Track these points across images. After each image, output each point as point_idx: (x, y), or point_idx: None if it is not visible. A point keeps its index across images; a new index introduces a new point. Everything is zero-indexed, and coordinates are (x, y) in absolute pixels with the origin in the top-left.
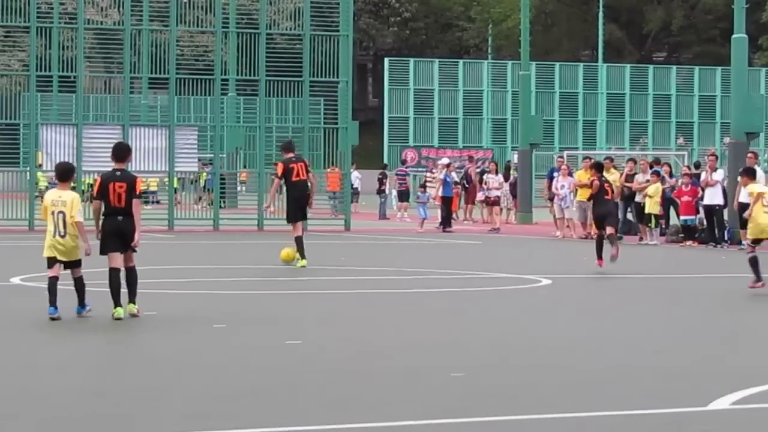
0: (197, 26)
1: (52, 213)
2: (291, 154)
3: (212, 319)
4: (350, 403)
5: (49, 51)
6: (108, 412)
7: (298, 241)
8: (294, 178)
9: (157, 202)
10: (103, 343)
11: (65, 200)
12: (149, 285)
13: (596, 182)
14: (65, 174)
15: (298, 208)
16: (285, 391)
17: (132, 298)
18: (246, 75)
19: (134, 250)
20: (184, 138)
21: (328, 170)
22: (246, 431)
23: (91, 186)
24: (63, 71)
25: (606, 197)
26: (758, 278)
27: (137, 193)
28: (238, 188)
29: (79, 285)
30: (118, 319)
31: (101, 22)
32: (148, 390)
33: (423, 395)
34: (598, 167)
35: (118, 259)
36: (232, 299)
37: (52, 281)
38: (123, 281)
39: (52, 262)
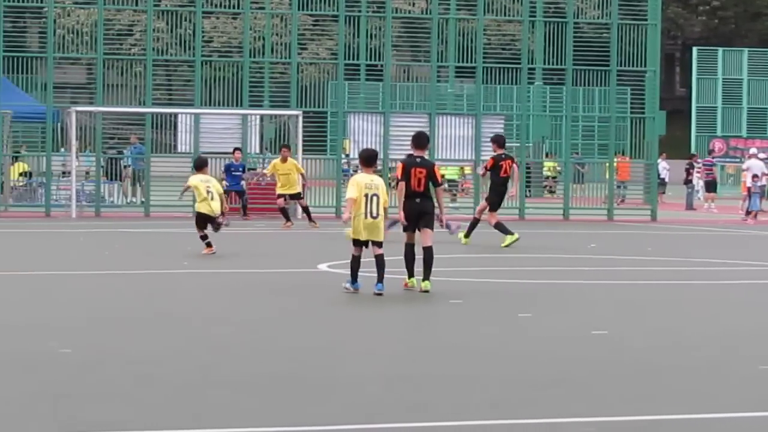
0: (504, 15)
1: (366, 195)
2: (501, 151)
3: (517, 308)
4: (656, 394)
5: (357, 39)
6: (413, 399)
7: (499, 226)
8: (502, 174)
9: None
10: (409, 331)
11: (377, 184)
12: (454, 273)
13: None
14: (370, 159)
15: (500, 199)
16: (591, 382)
17: (427, 276)
18: (553, 64)
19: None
20: (491, 127)
21: (617, 159)
22: (550, 421)
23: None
24: (370, 60)
25: None
26: None
27: (438, 179)
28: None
29: (381, 262)
30: (411, 288)
31: (409, 11)
32: (453, 378)
33: (730, 388)
34: None
35: (414, 237)
36: (536, 288)
37: (356, 259)
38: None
39: (359, 242)
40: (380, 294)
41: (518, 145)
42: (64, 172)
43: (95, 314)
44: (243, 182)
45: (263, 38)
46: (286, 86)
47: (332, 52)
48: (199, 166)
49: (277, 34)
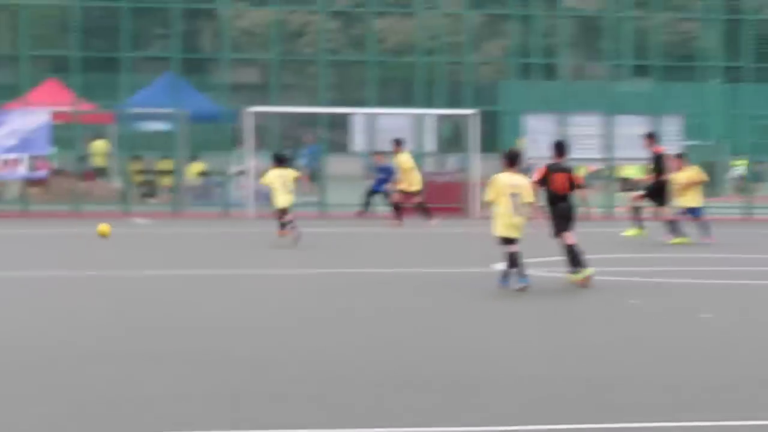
0: (680, 12)
1: (510, 195)
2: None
3: (698, 308)
4: None
5: (530, 38)
6: (602, 400)
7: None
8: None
9: None
10: (590, 331)
11: (520, 184)
12: (630, 273)
13: None
14: (514, 158)
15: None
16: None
17: (576, 270)
18: (731, 62)
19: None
20: (669, 126)
21: None
22: (732, 423)
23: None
24: (544, 58)
25: None
26: None
27: (580, 182)
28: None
29: (516, 258)
30: (588, 277)
31: (582, 9)
32: (636, 379)
33: None
34: None
35: (569, 237)
36: (717, 288)
37: (516, 255)
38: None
39: (509, 240)
40: (523, 288)
41: (698, 143)
42: (241, 172)
43: (276, 314)
44: (386, 185)
45: (436, 38)
46: (459, 85)
47: (505, 51)
48: (278, 160)
49: (450, 34)
